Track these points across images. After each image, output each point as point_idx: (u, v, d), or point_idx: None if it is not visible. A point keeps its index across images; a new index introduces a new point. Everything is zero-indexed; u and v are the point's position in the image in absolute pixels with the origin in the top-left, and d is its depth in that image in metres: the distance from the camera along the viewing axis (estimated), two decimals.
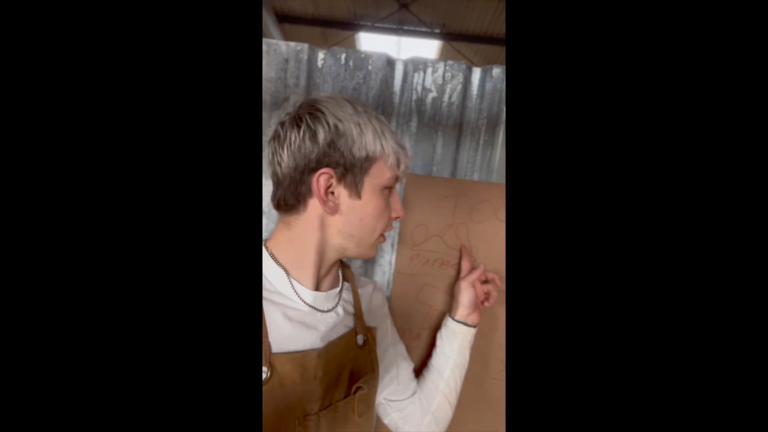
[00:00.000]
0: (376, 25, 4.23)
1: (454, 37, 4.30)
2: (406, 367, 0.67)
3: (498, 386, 0.78)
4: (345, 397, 0.53)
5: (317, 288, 0.52)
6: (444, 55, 4.80)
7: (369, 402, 0.58)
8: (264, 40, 0.69)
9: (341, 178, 0.46)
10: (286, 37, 4.50)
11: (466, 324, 0.67)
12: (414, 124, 0.72)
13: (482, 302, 0.69)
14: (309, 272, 0.51)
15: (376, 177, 0.48)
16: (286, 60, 0.69)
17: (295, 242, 0.50)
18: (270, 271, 0.51)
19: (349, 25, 4.30)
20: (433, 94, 0.71)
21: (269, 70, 0.69)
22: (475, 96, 0.72)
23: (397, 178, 0.50)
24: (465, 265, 0.71)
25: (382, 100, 0.71)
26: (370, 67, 0.70)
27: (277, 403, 0.45)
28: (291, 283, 0.50)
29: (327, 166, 0.45)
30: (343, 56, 0.70)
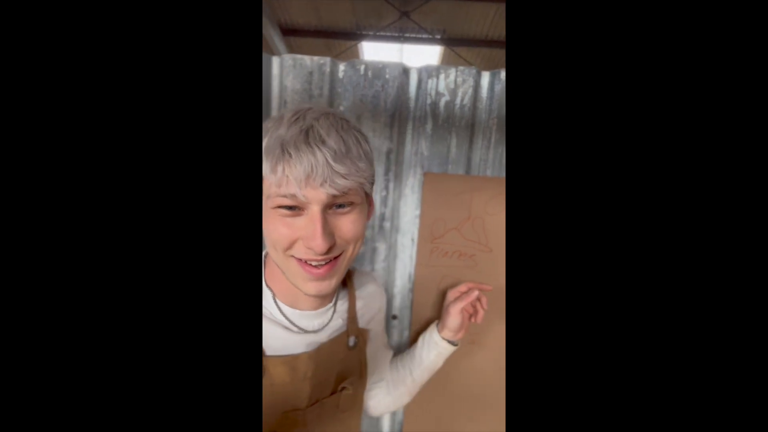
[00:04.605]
0: (378, 33, 4.32)
1: (455, 42, 4.37)
2: (388, 371, 0.73)
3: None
4: (331, 394, 0.56)
5: (308, 307, 0.53)
6: (446, 60, 4.87)
7: (355, 400, 0.60)
8: (290, 55, 0.75)
9: None
10: (291, 50, 4.61)
11: (449, 341, 0.70)
12: (429, 126, 0.78)
13: (469, 318, 0.70)
14: (292, 290, 0.49)
15: (267, 196, 0.43)
16: (311, 73, 0.75)
17: None
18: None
19: (352, 35, 4.40)
20: (446, 97, 0.77)
21: (296, 82, 0.75)
22: (485, 98, 0.78)
23: (294, 198, 0.40)
24: (463, 287, 0.72)
25: (399, 105, 0.77)
26: (387, 76, 0.76)
27: (266, 399, 0.48)
28: (277, 305, 0.52)
29: None
30: (362, 67, 0.76)
